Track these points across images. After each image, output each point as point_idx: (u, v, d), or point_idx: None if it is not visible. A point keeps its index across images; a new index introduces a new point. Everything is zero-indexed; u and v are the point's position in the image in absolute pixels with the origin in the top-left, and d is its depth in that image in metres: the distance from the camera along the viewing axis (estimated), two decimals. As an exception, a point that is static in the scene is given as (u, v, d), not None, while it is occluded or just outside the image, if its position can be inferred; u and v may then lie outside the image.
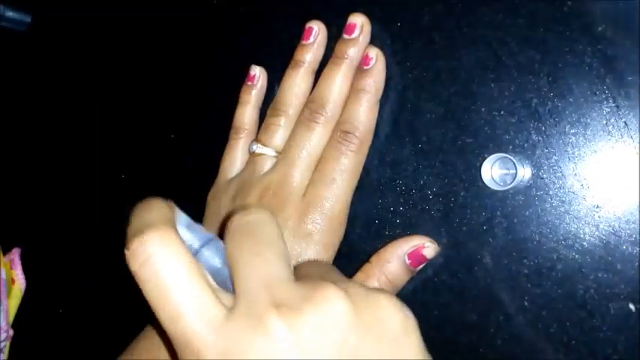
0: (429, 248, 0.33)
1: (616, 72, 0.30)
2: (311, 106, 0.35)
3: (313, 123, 0.35)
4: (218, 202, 0.37)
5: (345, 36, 0.35)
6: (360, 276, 0.34)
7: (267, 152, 0.36)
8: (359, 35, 0.35)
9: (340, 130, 0.34)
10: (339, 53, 0.35)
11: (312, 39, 0.37)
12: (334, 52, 0.36)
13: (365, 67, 0.35)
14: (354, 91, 0.35)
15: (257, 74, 0.39)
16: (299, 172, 0.35)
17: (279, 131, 0.37)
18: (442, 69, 0.34)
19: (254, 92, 0.39)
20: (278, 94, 0.38)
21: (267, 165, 0.36)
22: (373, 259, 0.34)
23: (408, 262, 0.33)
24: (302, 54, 0.37)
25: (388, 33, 0.35)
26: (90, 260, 0.46)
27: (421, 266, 0.33)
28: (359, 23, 0.35)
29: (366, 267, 0.34)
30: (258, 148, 0.37)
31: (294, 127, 0.36)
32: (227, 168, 0.39)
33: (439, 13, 0.34)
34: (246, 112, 0.39)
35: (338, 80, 0.35)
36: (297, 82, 0.37)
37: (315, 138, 0.35)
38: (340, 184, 0.34)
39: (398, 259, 0.33)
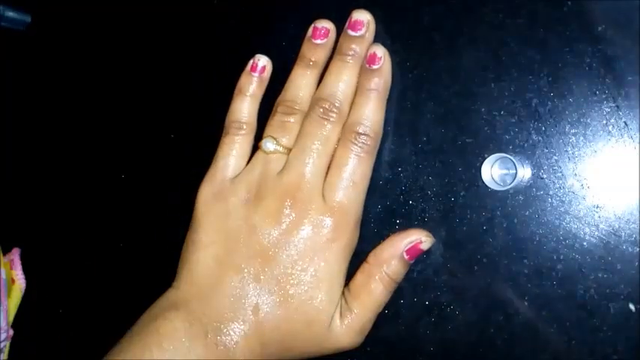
0: (425, 243, 0.33)
1: (616, 72, 0.30)
2: (323, 105, 0.35)
3: (325, 121, 0.34)
4: (224, 205, 0.35)
5: (352, 32, 0.35)
6: (359, 277, 0.34)
7: (281, 150, 0.35)
8: (365, 32, 0.35)
9: (354, 132, 0.34)
10: (345, 50, 0.35)
11: (323, 39, 0.36)
12: (339, 48, 0.35)
13: (373, 67, 0.34)
14: (363, 90, 0.34)
15: (264, 65, 0.38)
16: (315, 172, 0.34)
17: (294, 128, 0.36)
18: (442, 69, 0.34)
19: (257, 83, 0.38)
20: (288, 91, 0.37)
21: (280, 164, 0.35)
22: (371, 259, 0.34)
23: (406, 257, 0.33)
24: (311, 52, 0.36)
25: (388, 33, 0.35)
26: (90, 260, 0.46)
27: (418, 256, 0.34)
28: (365, 20, 0.35)
29: (366, 268, 0.34)
30: (273, 146, 0.35)
31: (304, 125, 0.35)
32: (226, 167, 0.37)
33: (439, 13, 0.34)
34: (247, 104, 0.38)
35: (346, 77, 0.35)
36: (308, 80, 0.36)
37: (328, 136, 0.34)
38: (359, 187, 0.34)
39: (397, 257, 0.33)
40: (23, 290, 0.48)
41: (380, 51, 0.34)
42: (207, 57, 0.43)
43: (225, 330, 0.32)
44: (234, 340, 0.32)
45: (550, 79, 0.31)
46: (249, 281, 0.33)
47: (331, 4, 0.37)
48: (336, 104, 0.34)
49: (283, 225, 0.33)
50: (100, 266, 0.46)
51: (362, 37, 0.35)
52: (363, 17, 0.35)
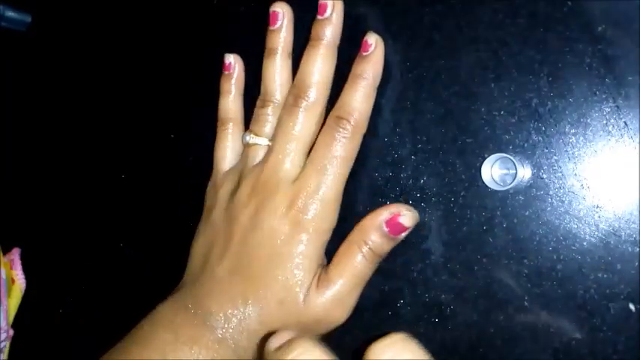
0: (405, 216, 0.33)
1: (616, 72, 0.30)
2: (293, 92, 0.35)
3: (296, 108, 0.35)
4: (215, 196, 0.37)
5: (319, 16, 0.35)
6: (342, 247, 0.34)
7: (260, 142, 0.36)
8: (331, 14, 0.35)
9: (334, 116, 0.34)
10: (314, 35, 0.35)
11: (278, 23, 0.36)
12: (311, 34, 0.36)
13: (364, 54, 0.34)
14: (351, 77, 0.34)
15: (232, 62, 0.39)
16: (287, 159, 0.34)
17: (269, 120, 0.37)
18: (442, 69, 0.34)
19: (233, 81, 0.39)
20: (262, 85, 0.37)
21: (259, 155, 0.36)
22: (354, 228, 0.34)
23: (386, 230, 0.33)
24: (273, 41, 0.37)
25: (388, 33, 0.35)
26: (90, 260, 0.46)
27: (403, 235, 0.33)
28: (329, 2, 0.35)
29: (348, 237, 0.34)
30: (251, 139, 0.37)
31: (280, 115, 0.36)
32: (220, 160, 0.39)
33: (439, 13, 0.34)
34: (229, 102, 0.39)
35: (317, 62, 0.35)
36: (276, 70, 0.37)
37: (300, 123, 0.35)
38: (332, 170, 0.33)
39: (376, 227, 0.33)
40: (23, 290, 0.48)
41: (371, 38, 0.34)
42: (207, 57, 0.43)
43: (202, 302, 0.34)
44: (211, 311, 0.34)
45: (550, 79, 0.31)
46: (225, 265, 0.34)
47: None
48: (306, 90, 0.35)
49: (251, 210, 0.34)
50: (100, 266, 0.46)
51: (328, 19, 0.35)
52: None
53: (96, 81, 0.47)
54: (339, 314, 0.33)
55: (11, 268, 0.47)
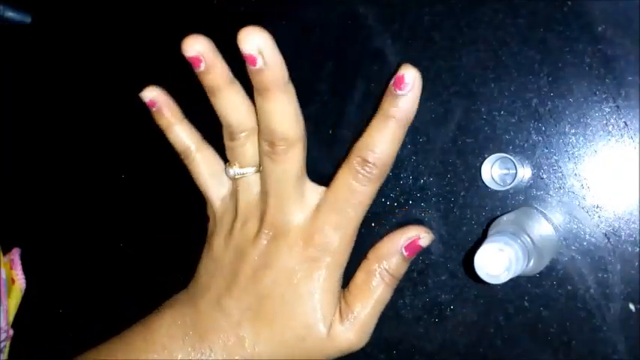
0: (424, 239, 0.33)
1: (616, 72, 0.30)
2: (266, 138, 0.32)
3: (275, 155, 0.32)
4: (215, 225, 0.36)
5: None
6: (359, 275, 0.34)
7: (248, 171, 0.34)
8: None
9: (359, 157, 0.31)
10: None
11: (202, 66, 0.32)
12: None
13: (398, 92, 0.29)
14: (380, 114, 0.31)
15: (153, 97, 0.36)
16: (287, 200, 0.33)
17: (247, 147, 0.34)
18: (442, 69, 0.34)
19: (165, 114, 0.36)
20: (223, 121, 0.34)
21: (253, 184, 0.35)
22: (370, 255, 0.34)
23: (405, 254, 0.33)
24: (204, 80, 0.33)
25: (388, 33, 0.35)
26: (90, 260, 0.46)
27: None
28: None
29: (365, 265, 0.34)
30: (237, 173, 0.35)
31: (263, 163, 0.33)
32: (206, 191, 0.36)
33: (439, 13, 0.34)
34: (178, 134, 0.36)
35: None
36: (229, 102, 0.34)
37: (286, 167, 0.32)
38: (353, 213, 0.32)
39: (396, 253, 0.33)
40: (23, 290, 0.48)
41: (409, 75, 0.29)
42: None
43: (205, 334, 0.34)
44: (213, 347, 0.33)
45: (550, 79, 0.31)
46: (234, 299, 0.34)
47: (331, 3, 0.37)
48: (277, 135, 0.31)
49: (262, 247, 0.33)
50: (100, 266, 0.46)
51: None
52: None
53: (96, 81, 0.47)
54: (362, 342, 0.33)
55: (11, 268, 0.47)
